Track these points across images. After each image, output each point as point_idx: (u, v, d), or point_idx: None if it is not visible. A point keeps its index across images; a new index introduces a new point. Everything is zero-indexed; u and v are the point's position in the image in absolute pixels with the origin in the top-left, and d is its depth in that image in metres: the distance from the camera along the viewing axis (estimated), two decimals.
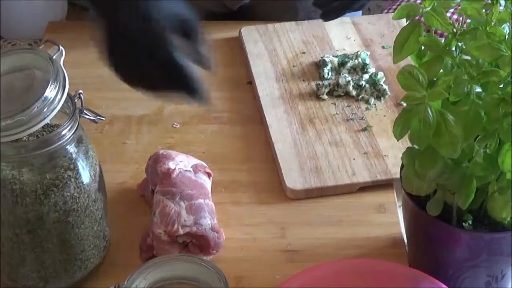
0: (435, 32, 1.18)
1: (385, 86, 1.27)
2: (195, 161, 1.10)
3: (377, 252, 1.05)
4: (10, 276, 0.98)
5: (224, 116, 1.26)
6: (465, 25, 0.89)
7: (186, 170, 1.08)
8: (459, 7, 0.89)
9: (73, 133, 0.93)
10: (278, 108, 1.25)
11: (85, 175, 0.95)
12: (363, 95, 1.27)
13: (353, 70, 1.31)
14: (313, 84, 1.29)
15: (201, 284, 0.94)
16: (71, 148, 0.94)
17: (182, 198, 1.03)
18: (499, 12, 0.88)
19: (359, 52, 1.32)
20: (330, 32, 1.39)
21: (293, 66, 1.33)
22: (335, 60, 1.32)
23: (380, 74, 1.28)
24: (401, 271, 0.97)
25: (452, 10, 1.53)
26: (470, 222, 0.93)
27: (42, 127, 0.92)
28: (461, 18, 0.90)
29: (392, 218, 1.09)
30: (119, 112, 1.27)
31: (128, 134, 1.24)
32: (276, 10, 1.49)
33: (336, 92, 1.27)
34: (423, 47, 0.91)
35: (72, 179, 0.94)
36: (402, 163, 0.96)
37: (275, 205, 1.12)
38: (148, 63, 0.97)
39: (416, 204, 0.95)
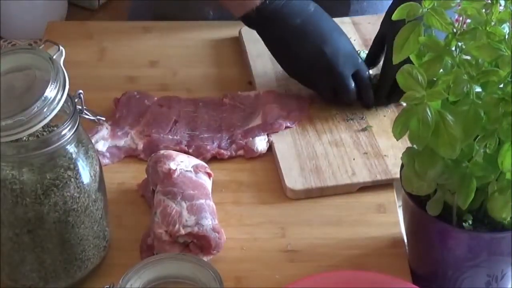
0: None
1: None
2: (196, 161, 1.10)
3: (377, 252, 1.05)
4: (10, 276, 0.98)
5: None
6: (465, 25, 0.89)
7: (187, 170, 1.08)
8: (459, 7, 0.89)
9: (73, 133, 0.93)
10: None
11: (85, 175, 0.95)
12: None
13: None
14: None
15: (196, 283, 0.94)
16: (71, 148, 0.94)
17: (183, 198, 1.03)
18: (499, 12, 0.88)
19: (359, 52, 1.32)
20: None
21: None
22: None
23: None
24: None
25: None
26: (470, 222, 0.93)
27: (42, 127, 0.92)
28: (461, 18, 0.89)
29: (392, 218, 1.09)
30: None
31: None
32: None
33: None
34: (423, 47, 0.91)
35: (72, 179, 0.94)
36: (402, 163, 0.96)
37: (275, 205, 1.11)
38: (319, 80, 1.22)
39: (416, 204, 0.95)
